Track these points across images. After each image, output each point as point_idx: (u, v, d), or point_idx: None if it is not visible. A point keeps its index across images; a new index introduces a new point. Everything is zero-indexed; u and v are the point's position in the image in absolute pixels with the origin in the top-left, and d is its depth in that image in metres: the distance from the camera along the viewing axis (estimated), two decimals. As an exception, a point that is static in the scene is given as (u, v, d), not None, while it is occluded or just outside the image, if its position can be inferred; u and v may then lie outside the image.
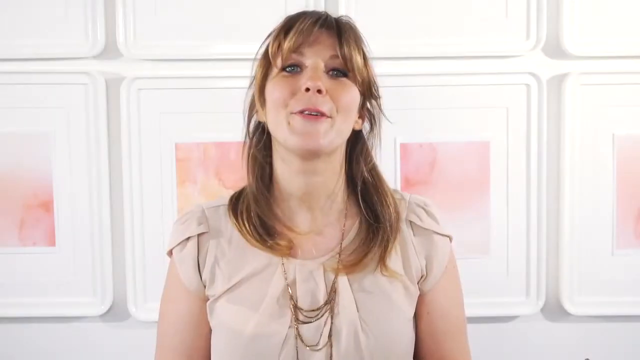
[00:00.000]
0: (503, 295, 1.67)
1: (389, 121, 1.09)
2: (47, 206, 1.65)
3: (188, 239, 1.07)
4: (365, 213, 1.06)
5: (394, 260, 1.05)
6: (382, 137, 1.10)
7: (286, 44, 0.98)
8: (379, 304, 1.02)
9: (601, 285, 1.67)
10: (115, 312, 1.68)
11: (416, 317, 1.08)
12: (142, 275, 1.65)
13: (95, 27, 1.62)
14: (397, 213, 1.07)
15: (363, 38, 1.05)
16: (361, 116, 1.06)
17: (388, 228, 1.04)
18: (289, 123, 0.97)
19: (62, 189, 1.65)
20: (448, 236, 1.10)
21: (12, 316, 1.67)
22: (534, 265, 1.66)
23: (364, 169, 1.07)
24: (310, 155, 0.99)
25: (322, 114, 0.96)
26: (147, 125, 1.64)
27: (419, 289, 1.07)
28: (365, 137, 1.08)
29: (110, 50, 1.64)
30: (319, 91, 0.96)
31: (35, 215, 1.65)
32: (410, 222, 1.08)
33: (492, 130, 1.65)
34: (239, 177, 1.63)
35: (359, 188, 1.07)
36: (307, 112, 0.96)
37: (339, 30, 1.00)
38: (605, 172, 1.65)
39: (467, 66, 1.64)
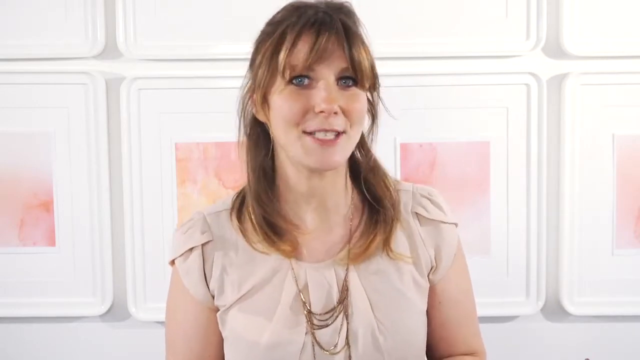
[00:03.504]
0: (503, 295, 1.67)
1: (389, 113, 1.05)
2: (47, 206, 1.65)
3: (192, 249, 1.04)
4: (368, 198, 1.05)
5: (403, 248, 1.04)
6: (382, 137, 1.08)
7: (294, 59, 0.93)
8: (393, 302, 1.01)
9: (601, 285, 1.67)
10: (115, 312, 1.69)
11: (428, 307, 1.07)
12: (142, 275, 1.65)
13: (95, 27, 1.62)
14: (396, 195, 1.06)
15: (358, 20, 1.00)
16: None
17: (390, 210, 1.03)
18: (302, 143, 0.95)
19: (62, 189, 1.65)
20: (454, 223, 1.09)
21: (12, 316, 1.68)
22: (534, 265, 1.66)
23: (364, 159, 1.06)
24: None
25: (338, 134, 0.94)
26: (147, 125, 1.64)
27: (430, 279, 1.06)
28: (365, 133, 1.05)
29: (110, 50, 1.64)
30: (335, 112, 0.94)
31: (35, 215, 1.65)
32: (417, 213, 1.06)
33: (492, 130, 1.65)
34: (239, 177, 1.64)
35: (362, 176, 1.05)
36: (321, 134, 0.94)
37: (347, 35, 0.95)
38: (605, 172, 1.65)
39: (467, 66, 1.64)
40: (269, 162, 1.03)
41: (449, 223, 1.08)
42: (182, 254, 1.05)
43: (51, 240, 1.66)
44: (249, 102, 1.03)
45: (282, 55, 0.94)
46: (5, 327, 1.69)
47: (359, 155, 1.06)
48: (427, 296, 1.06)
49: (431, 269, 1.06)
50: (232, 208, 1.06)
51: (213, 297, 1.04)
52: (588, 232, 1.66)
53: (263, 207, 1.02)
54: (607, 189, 1.66)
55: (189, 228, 1.06)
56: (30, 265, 1.66)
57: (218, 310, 1.04)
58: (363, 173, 1.05)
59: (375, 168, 1.07)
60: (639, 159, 1.65)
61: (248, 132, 1.04)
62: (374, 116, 1.05)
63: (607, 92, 1.64)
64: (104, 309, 1.67)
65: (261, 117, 1.01)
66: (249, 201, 1.03)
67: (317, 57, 0.93)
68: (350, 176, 1.06)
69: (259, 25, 1.03)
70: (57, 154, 1.65)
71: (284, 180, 1.03)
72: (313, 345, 0.98)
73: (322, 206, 1.03)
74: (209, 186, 1.65)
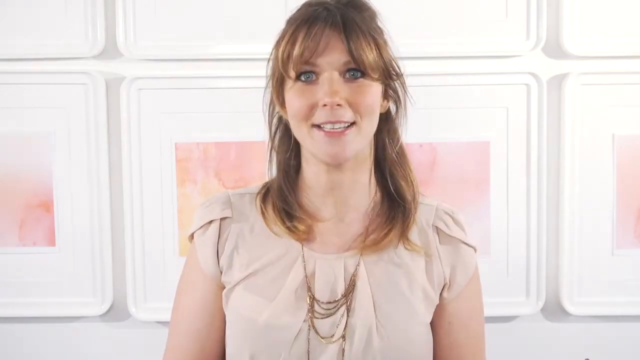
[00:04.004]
0: (503, 295, 1.67)
1: (411, 101, 1.05)
2: (47, 206, 1.65)
3: (210, 222, 1.06)
4: (389, 191, 1.05)
5: (420, 266, 1.04)
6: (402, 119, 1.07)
7: (295, 56, 0.95)
8: (397, 307, 1.01)
9: (601, 285, 1.67)
10: (115, 312, 1.69)
11: (436, 326, 1.06)
12: (142, 275, 1.65)
13: (95, 27, 1.62)
14: (418, 191, 1.06)
15: (373, 14, 1.01)
16: (385, 97, 1.03)
17: (410, 204, 1.04)
18: (312, 137, 0.97)
19: (62, 189, 1.65)
20: (474, 247, 1.09)
21: (12, 316, 1.68)
22: (534, 265, 1.66)
23: (391, 150, 1.06)
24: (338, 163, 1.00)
25: (346, 125, 0.95)
26: (147, 125, 1.64)
27: (442, 297, 1.06)
28: (393, 116, 1.06)
29: (110, 50, 1.64)
30: (338, 104, 0.95)
31: (35, 215, 1.65)
32: (437, 227, 1.07)
33: (492, 130, 1.65)
34: (239, 177, 1.64)
35: (387, 169, 1.05)
36: (329, 126, 0.95)
37: (346, 30, 0.96)
38: (605, 172, 1.65)
39: (467, 66, 1.64)
40: (292, 159, 1.06)
41: (469, 245, 1.08)
42: (202, 227, 1.06)
43: (51, 240, 1.66)
44: (275, 101, 1.05)
45: (280, 52, 0.98)
46: (5, 327, 1.69)
47: (386, 140, 1.06)
48: (433, 310, 1.05)
49: (444, 286, 1.06)
50: (259, 193, 1.08)
51: (221, 274, 1.05)
52: (588, 232, 1.66)
53: (284, 200, 1.04)
54: (607, 189, 1.66)
55: (211, 203, 1.08)
56: (30, 265, 1.66)
57: (224, 287, 1.05)
58: (387, 163, 1.05)
59: (400, 157, 1.06)
60: (639, 159, 1.66)
61: (273, 130, 1.07)
62: (397, 103, 1.05)
63: (607, 92, 1.64)
64: (104, 309, 1.67)
65: (285, 115, 1.03)
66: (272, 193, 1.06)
67: (312, 50, 0.95)
68: (375, 163, 1.06)
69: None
70: (57, 154, 1.65)
71: (305, 175, 1.05)
72: (309, 331, 0.99)
73: (342, 201, 1.04)
74: (209, 186, 1.65)
